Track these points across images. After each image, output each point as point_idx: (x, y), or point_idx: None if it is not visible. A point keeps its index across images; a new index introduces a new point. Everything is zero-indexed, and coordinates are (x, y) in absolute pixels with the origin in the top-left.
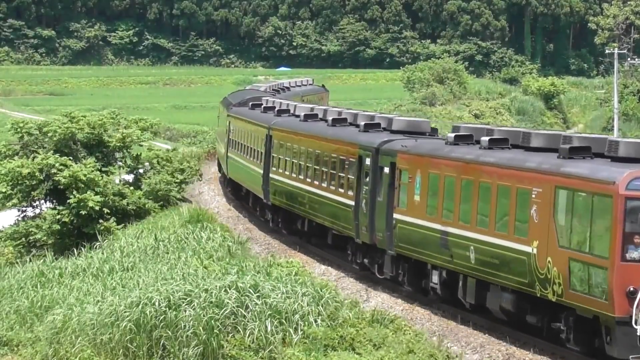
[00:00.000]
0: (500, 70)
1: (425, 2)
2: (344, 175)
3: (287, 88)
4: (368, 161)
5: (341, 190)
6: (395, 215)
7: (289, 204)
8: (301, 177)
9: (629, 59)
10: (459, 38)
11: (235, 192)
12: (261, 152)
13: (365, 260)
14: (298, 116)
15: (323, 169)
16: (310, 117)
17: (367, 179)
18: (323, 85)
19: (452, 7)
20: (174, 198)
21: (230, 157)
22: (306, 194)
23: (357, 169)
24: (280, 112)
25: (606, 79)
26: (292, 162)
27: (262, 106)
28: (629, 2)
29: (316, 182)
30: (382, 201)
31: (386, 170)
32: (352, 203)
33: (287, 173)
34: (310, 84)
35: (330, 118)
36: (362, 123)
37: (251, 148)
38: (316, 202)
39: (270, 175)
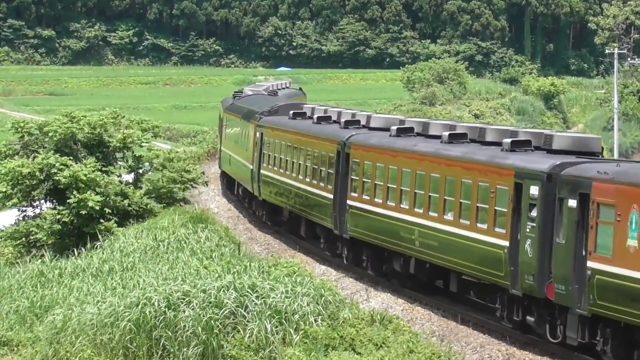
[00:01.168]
0: (500, 70)
1: (425, 2)
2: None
3: (275, 92)
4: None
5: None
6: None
7: (378, 236)
8: (404, 206)
9: (629, 59)
10: (459, 38)
11: (272, 216)
12: (329, 173)
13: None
14: (382, 129)
15: (449, 197)
16: (403, 131)
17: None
18: (300, 88)
19: (452, 7)
20: (177, 194)
21: (267, 176)
22: (416, 227)
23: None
24: (349, 124)
25: (606, 79)
26: (388, 187)
27: (316, 116)
28: (629, 2)
29: (429, 212)
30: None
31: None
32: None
33: (378, 201)
34: (288, 87)
35: (445, 134)
36: (508, 140)
37: (311, 168)
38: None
39: (349, 202)
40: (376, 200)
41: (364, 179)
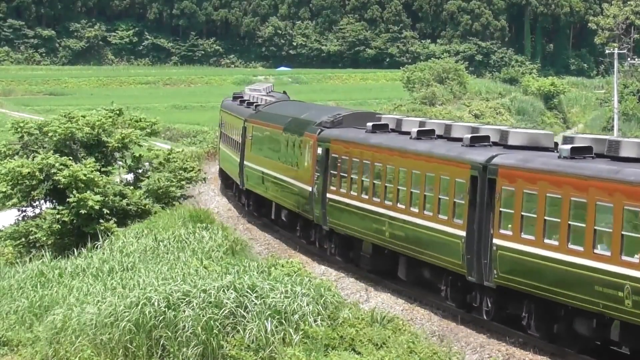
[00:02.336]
0: (500, 70)
1: (425, 2)
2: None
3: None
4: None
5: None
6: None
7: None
8: (576, 247)
9: (629, 59)
10: (459, 38)
11: (345, 249)
12: (458, 203)
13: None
14: (527, 148)
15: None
16: (581, 152)
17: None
18: (285, 92)
19: (452, 7)
20: (174, 195)
21: (339, 202)
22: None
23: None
24: (477, 141)
25: (606, 79)
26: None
27: (415, 130)
28: (629, 2)
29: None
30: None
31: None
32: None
33: (527, 237)
34: (272, 90)
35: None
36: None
37: (421, 196)
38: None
39: (496, 241)
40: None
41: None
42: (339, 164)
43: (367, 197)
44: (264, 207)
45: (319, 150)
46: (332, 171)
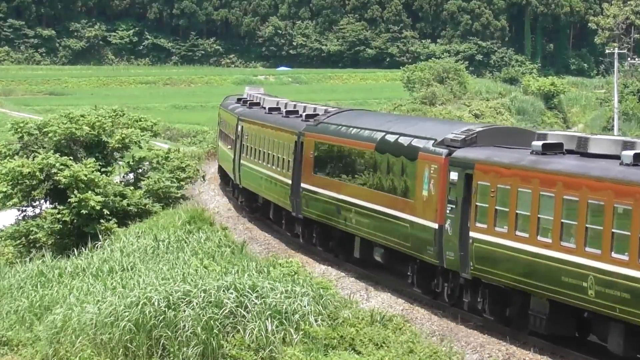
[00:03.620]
0: (501, 70)
1: (425, 1)
2: None
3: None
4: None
5: None
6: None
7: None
8: None
9: (629, 58)
10: (459, 38)
11: (498, 307)
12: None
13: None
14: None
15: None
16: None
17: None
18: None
19: (452, 7)
20: (174, 195)
21: (486, 244)
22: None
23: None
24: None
25: (606, 78)
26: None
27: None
28: (629, 2)
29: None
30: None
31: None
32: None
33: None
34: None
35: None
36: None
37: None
38: None
39: None
40: None
41: None
42: (492, 195)
43: (547, 239)
44: (330, 239)
45: (453, 176)
46: (479, 204)
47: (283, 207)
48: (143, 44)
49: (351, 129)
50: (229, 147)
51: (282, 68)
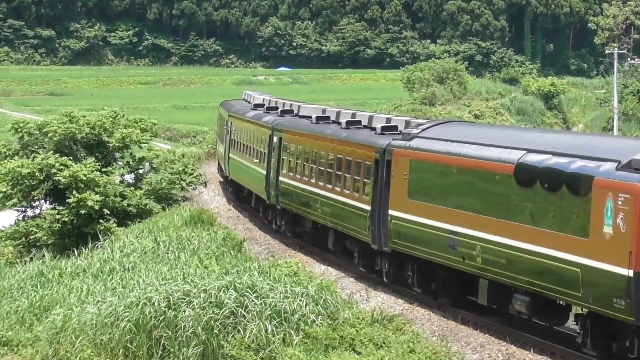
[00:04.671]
0: (500, 70)
1: (425, 2)
2: None
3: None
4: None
5: None
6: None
7: None
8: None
9: (628, 59)
10: (458, 38)
11: None
12: None
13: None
14: None
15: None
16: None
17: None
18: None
19: (452, 7)
20: (175, 196)
21: None
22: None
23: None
24: None
25: (606, 79)
26: None
27: None
28: (629, 2)
29: None
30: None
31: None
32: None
33: None
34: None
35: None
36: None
37: None
38: None
39: None
40: None
41: None
42: None
43: None
44: (431, 279)
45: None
46: None
47: (361, 239)
48: (143, 44)
49: (469, 145)
50: (255, 160)
51: (282, 68)
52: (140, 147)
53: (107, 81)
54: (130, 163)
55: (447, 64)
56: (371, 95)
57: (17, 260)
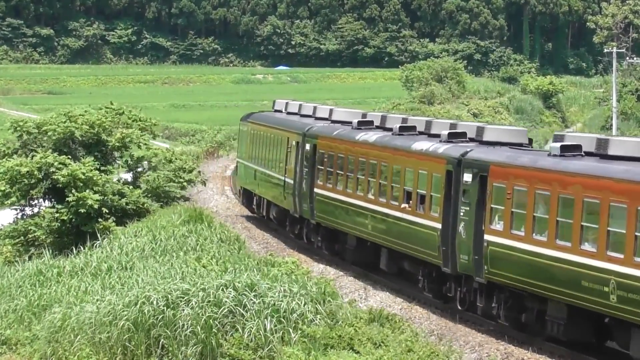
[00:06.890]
0: (499, 69)
1: (423, 1)
2: None
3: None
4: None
5: None
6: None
7: None
8: None
9: (627, 58)
10: (457, 37)
11: None
12: None
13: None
14: None
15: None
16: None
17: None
18: None
19: (451, 6)
20: (174, 195)
21: None
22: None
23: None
24: None
25: (604, 78)
26: None
27: None
28: (627, 2)
29: None
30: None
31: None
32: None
33: None
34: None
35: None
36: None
37: None
38: None
39: None
40: None
41: None
42: None
43: None
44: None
45: None
46: None
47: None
48: (141, 43)
49: None
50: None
51: (281, 67)
52: (140, 147)
53: (106, 80)
54: (129, 162)
55: (445, 63)
56: (370, 94)
57: (16, 258)
